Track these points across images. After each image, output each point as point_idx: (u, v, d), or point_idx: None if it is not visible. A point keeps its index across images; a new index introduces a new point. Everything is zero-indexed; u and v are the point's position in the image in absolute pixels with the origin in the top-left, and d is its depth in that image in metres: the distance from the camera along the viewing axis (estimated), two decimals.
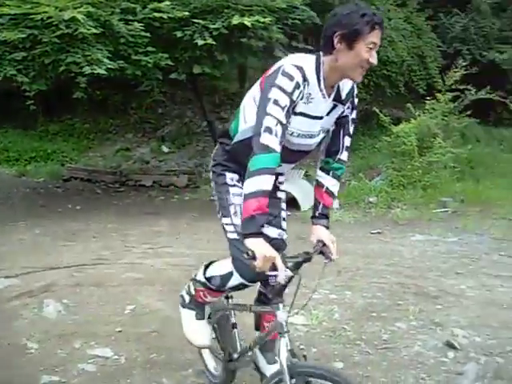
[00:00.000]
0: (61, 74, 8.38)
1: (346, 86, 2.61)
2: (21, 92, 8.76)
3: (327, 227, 2.75)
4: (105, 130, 14.71)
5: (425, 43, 14.18)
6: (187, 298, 3.03)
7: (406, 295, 4.96)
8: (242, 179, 2.59)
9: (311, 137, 2.62)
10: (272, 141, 2.29)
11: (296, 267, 2.44)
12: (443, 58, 13.91)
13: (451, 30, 15.19)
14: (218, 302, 3.09)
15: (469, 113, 11.07)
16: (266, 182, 2.28)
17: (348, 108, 2.69)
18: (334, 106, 2.61)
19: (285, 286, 2.54)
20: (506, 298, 4.95)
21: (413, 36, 14.02)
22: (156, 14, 8.42)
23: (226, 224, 2.69)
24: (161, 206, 10.10)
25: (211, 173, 2.87)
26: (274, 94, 2.36)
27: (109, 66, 7.94)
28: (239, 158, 2.64)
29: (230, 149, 2.76)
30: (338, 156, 2.80)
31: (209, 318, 3.11)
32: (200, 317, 3.03)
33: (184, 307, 3.06)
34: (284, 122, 2.35)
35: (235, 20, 8.43)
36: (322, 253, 2.64)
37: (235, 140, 2.70)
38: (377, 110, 10.33)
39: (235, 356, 3.02)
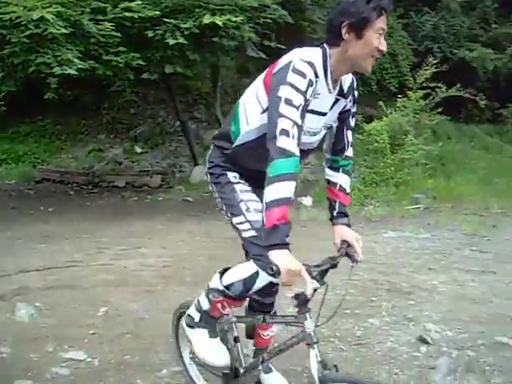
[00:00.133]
0: (31, 75, 8.29)
1: (346, 78, 2.51)
2: None
3: (349, 225, 2.64)
4: (77, 130, 14.56)
5: (396, 42, 14.31)
6: (197, 316, 2.76)
7: (379, 291, 5.01)
8: (243, 178, 2.61)
9: (315, 134, 2.52)
10: (290, 144, 2.14)
11: (322, 276, 2.29)
12: (414, 56, 14.07)
13: (422, 29, 15.37)
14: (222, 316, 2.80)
15: (440, 110, 11.19)
16: (288, 189, 2.11)
17: (350, 101, 2.59)
18: (336, 101, 2.51)
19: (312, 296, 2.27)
20: (477, 292, 5.03)
21: (384, 34, 14.13)
22: (127, 14, 8.37)
23: (239, 223, 2.53)
24: (134, 206, 10.05)
25: (208, 175, 2.72)
26: (287, 93, 2.20)
27: (79, 67, 7.88)
28: (241, 161, 2.59)
29: (229, 152, 2.61)
30: (345, 153, 2.72)
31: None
32: (214, 334, 2.75)
33: (193, 327, 2.78)
34: (299, 123, 2.20)
35: (206, 19, 8.42)
36: (347, 255, 2.49)
37: (237, 143, 2.56)
38: None
39: (242, 371, 2.79)
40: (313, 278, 2.15)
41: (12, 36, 7.64)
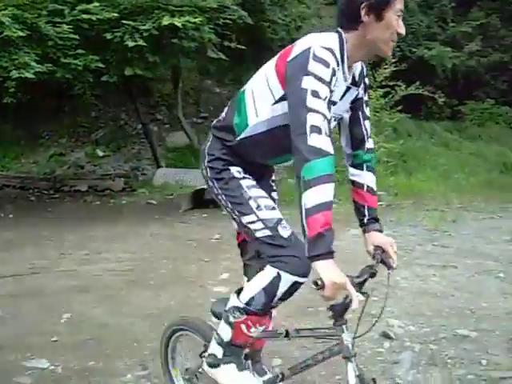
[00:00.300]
0: None
1: (356, 66, 2.35)
2: None
3: (381, 231, 2.44)
4: (37, 135, 14.34)
5: None
6: (219, 351, 2.43)
7: None
8: (247, 172, 2.40)
9: None
10: (324, 142, 1.94)
11: (361, 286, 2.13)
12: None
13: None
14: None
15: (400, 108, 11.34)
16: (328, 192, 1.91)
17: (361, 89, 2.43)
18: (348, 89, 2.33)
19: (349, 306, 2.08)
20: (439, 286, 5.11)
21: None
22: (84, 16, 8.30)
23: (251, 222, 2.29)
24: (97, 211, 9.94)
25: (208, 169, 2.44)
26: (310, 83, 2.00)
27: (37, 70, 7.79)
28: (245, 155, 2.40)
29: (233, 145, 2.39)
30: (366, 145, 2.50)
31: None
32: (242, 366, 2.44)
33: (218, 366, 2.44)
34: (328, 116, 2.00)
35: (165, 21, 8.40)
36: (382, 262, 2.32)
37: (243, 135, 2.35)
38: None
39: None
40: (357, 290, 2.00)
41: None
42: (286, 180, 10.64)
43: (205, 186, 8.53)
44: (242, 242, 2.68)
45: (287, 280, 2.19)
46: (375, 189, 2.53)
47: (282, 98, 2.19)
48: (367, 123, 2.50)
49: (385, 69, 10.94)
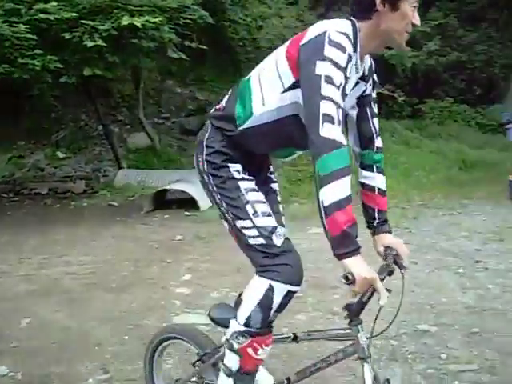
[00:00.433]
0: None
1: (366, 59, 2.26)
2: None
3: (390, 232, 2.40)
4: None
5: None
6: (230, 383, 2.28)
7: (305, 287, 5.03)
8: (246, 169, 2.28)
9: None
10: (336, 132, 1.84)
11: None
12: None
13: None
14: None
15: None
16: (346, 186, 1.83)
17: (370, 85, 2.34)
18: (356, 84, 2.24)
19: (365, 305, 2.08)
20: (400, 283, 5.15)
21: None
22: (42, 16, 8.16)
23: (245, 228, 2.19)
24: (57, 213, 9.78)
25: (205, 163, 2.29)
26: (326, 69, 1.91)
27: None
28: (246, 145, 2.28)
29: (234, 135, 2.26)
30: (376, 144, 2.41)
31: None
32: None
33: None
34: (342, 105, 1.91)
35: (125, 20, 8.32)
36: (395, 262, 2.27)
37: (246, 125, 2.22)
38: None
39: None
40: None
41: None
42: None
43: (167, 187, 8.45)
44: None
45: (281, 290, 2.12)
46: (385, 190, 2.46)
47: (291, 87, 2.10)
48: (375, 121, 2.41)
49: None
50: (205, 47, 10.89)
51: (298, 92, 2.06)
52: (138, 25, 8.32)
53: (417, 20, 2.09)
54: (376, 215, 2.42)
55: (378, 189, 2.42)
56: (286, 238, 2.21)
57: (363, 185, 2.43)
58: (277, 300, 2.14)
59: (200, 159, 2.32)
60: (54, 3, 8.19)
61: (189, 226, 8.03)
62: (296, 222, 7.96)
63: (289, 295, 2.15)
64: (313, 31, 2.05)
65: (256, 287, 2.16)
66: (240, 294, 2.31)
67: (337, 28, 2.01)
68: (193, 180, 9.84)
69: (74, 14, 8.33)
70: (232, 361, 2.25)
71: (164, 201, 9.59)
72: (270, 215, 2.22)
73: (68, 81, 9.28)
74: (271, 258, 2.14)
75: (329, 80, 1.90)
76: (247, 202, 2.21)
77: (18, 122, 14.24)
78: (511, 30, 16.78)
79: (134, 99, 13.35)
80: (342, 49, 1.96)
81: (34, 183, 11.74)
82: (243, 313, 2.21)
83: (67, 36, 8.44)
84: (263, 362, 2.32)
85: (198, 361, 2.56)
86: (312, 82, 1.92)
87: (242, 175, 2.26)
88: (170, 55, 9.97)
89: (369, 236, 2.45)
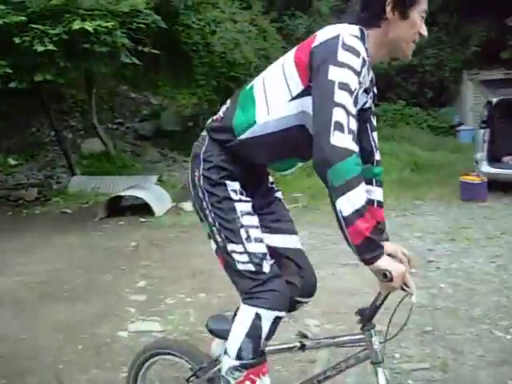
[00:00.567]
0: None
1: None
2: None
3: (388, 240, 2.34)
4: None
5: (271, 45, 14.62)
6: None
7: None
8: (244, 188, 2.19)
9: None
10: (347, 140, 1.78)
11: None
12: None
13: (295, 32, 15.78)
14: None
15: None
16: (361, 194, 1.80)
17: (370, 98, 2.29)
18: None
19: (378, 309, 2.08)
20: (353, 284, 5.21)
21: (259, 38, 14.40)
22: None
23: (236, 252, 2.12)
24: (9, 221, 9.56)
25: (202, 178, 2.17)
26: (340, 75, 1.84)
27: None
28: (249, 157, 2.19)
29: (233, 145, 2.16)
30: (375, 158, 2.37)
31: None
32: None
33: None
34: (354, 112, 1.84)
35: (76, 25, 8.21)
36: None
37: (249, 135, 2.12)
38: None
39: None
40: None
41: None
42: None
43: (122, 193, 8.30)
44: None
45: (268, 317, 2.09)
46: (382, 201, 2.44)
47: (300, 95, 2.02)
48: (375, 134, 2.36)
49: None
50: (158, 52, 10.81)
51: (306, 100, 2.00)
52: (90, 29, 8.22)
53: (424, 30, 2.07)
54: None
55: (377, 202, 2.41)
56: (273, 264, 2.16)
57: None
58: (265, 328, 2.10)
59: (196, 173, 2.20)
60: (2, 7, 8.04)
61: (143, 232, 7.96)
62: None
63: (276, 321, 2.12)
64: (324, 34, 1.98)
65: (242, 318, 2.11)
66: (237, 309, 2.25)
67: (350, 31, 1.95)
68: (147, 186, 9.79)
69: (24, 18, 8.17)
70: None
71: (118, 207, 9.48)
72: (262, 241, 2.16)
73: (18, 86, 9.09)
74: (259, 285, 2.09)
75: (343, 86, 1.83)
76: (242, 226, 2.13)
77: None
78: (461, 34, 17.19)
79: (87, 104, 13.17)
80: (356, 53, 1.90)
81: None
82: (233, 347, 2.13)
83: (17, 40, 8.27)
84: None
85: (192, 376, 2.48)
86: (325, 87, 1.85)
87: (239, 196, 2.16)
88: (123, 60, 9.86)
89: None
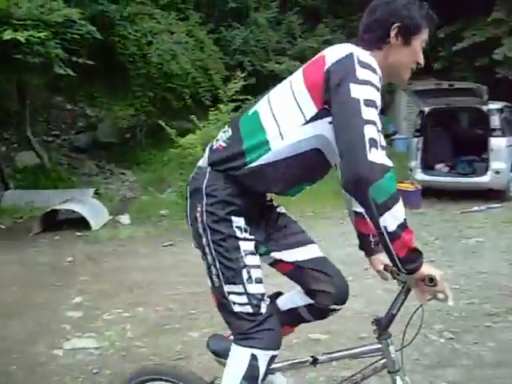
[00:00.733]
0: None
1: None
2: None
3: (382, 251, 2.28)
4: None
5: (208, 56, 14.62)
6: None
7: (198, 304, 5.06)
8: (248, 223, 2.11)
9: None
10: (383, 156, 1.78)
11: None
12: (227, 70, 14.46)
13: (232, 43, 15.85)
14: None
15: None
16: (402, 207, 1.81)
17: None
18: None
19: (394, 318, 2.09)
20: None
21: (196, 49, 14.38)
22: None
23: (234, 293, 2.06)
24: None
25: (205, 214, 2.07)
26: (362, 92, 1.83)
27: None
28: (254, 184, 2.09)
29: (241, 174, 2.06)
30: None
31: None
32: None
33: None
34: (380, 126, 1.84)
35: (7, 35, 8.05)
36: (395, 278, 2.22)
37: (260, 162, 2.03)
38: (162, 123, 10.42)
39: None
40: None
41: None
42: (142, 196, 10.56)
43: (57, 207, 8.07)
44: (287, 272, 2.37)
45: (264, 357, 2.05)
46: None
47: (314, 118, 1.99)
48: None
49: (234, 83, 11.15)
50: (93, 63, 10.67)
51: (320, 123, 1.99)
52: (22, 39, 8.06)
53: (421, 59, 2.10)
54: (371, 239, 2.43)
55: None
56: (268, 303, 2.14)
57: (357, 213, 2.41)
58: (262, 368, 2.06)
59: (199, 208, 2.09)
60: None
61: (80, 246, 7.81)
62: (188, 238, 7.92)
63: (272, 359, 2.09)
64: (334, 54, 1.97)
65: (238, 359, 2.06)
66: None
67: (362, 50, 1.97)
68: (84, 199, 9.62)
69: None
70: None
71: (54, 222, 9.27)
72: (261, 282, 2.11)
73: None
74: (255, 326, 2.05)
75: (368, 103, 1.82)
76: (244, 266, 2.06)
77: None
78: None
79: (21, 116, 12.84)
80: (373, 70, 1.91)
81: None
82: None
83: None
84: None
85: None
86: (349, 105, 1.83)
87: (243, 234, 2.08)
88: (56, 71, 9.68)
89: None
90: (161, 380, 2.46)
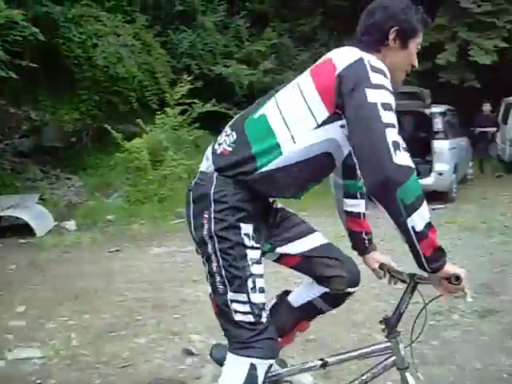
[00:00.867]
0: None
1: None
2: None
3: (376, 249, 2.52)
4: None
5: (155, 59, 14.47)
6: None
7: (145, 310, 5.03)
8: (255, 231, 2.08)
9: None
10: (407, 157, 1.82)
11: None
12: (174, 73, 14.37)
13: (180, 46, 15.76)
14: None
15: (198, 125, 11.58)
16: (427, 208, 1.85)
17: None
18: None
19: (402, 316, 2.18)
20: None
21: (142, 52, 14.23)
22: None
23: (237, 302, 2.04)
24: None
25: (213, 221, 2.03)
26: (378, 96, 1.85)
27: None
28: (264, 189, 2.07)
29: (251, 179, 2.02)
30: (357, 171, 2.34)
31: None
32: None
33: None
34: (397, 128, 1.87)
35: None
36: (392, 276, 2.34)
37: (271, 167, 2.01)
38: (108, 127, 10.31)
39: None
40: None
41: None
42: (88, 202, 10.40)
43: (0, 214, 7.85)
44: (295, 265, 2.41)
45: (263, 366, 2.04)
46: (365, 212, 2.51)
47: (325, 122, 2.00)
48: None
49: (181, 87, 11.13)
50: (36, 65, 10.45)
51: (332, 127, 2.00)
52: None
53: (416, 62, 2.15)
54: (365, 237, 2.49)
55: (363, 214, 2.48)
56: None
57: (349, 213, 2.47)
58: (261, 377, 2.05)
59: (206, 215, 2.04)
60: None
61: (24, 253, 7.62)
62: (135, 244, 7.92)
63: (269, 369, 2.10)
64: (344, 58, 1.98)
65: (236, 370, 2.05)
66: None
67: (368, 54, 1.99)
68: (28, 205, 9.40)
69: None
70: None
71: None
72: (264, 291, 2.09)
73: None
74: (255, 335, 2.03)
75: (386, 106, 1.84)
76: (250, 275, 2.04)
77: None
78: None
79: None
80: (384, 74, 1.94)
81: None
82: None
83: None
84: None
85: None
86: (366, 110, 1.84)
87: (251, 242, 2.05)
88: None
89: None
90: None
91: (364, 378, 2.22)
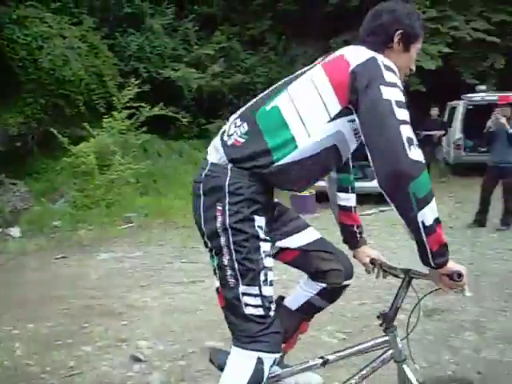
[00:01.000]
0: None
1: None
2: None
3: (366, 243, 2.58)
4: None
5: (102, 62, 14.28)
6: None
7: (91, 317, 4.96)
8: (266, 224, 2.08)
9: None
10: (420, 153, 1.87)
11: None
12: (122, 76, 14.23)
13: (128, 49, 15.61)
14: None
15: (146, 129, 11.50)
16: (435, 204, 1.89)
17: None
18: None
19: (398, 310, 2.21)
20: (187, 302, 5.27)
21: (90, 55, 14.03)
22: None
23: (248, 295, 2.02)
24: None
25: (228, 213, 2.01)
26: (392, 93, 1.90)
27: None
28: (278, 182, 2.10)
29: (268, 172, 2.02)
30: (350, 165, 2.53)
31: None
32: None
33: None
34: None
35: None
36: (384, 271, 2.42)
37: (288, 160, 2.01)
38: (54, 131, 10.13)
39: None
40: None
41: None
42: (33, 207, 10.19)
43: None
44: (292, 260, 2.42)
45: (269, 360, 2.04)
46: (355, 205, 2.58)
47: (338, 115, 2.03)
48: None
49: (129, 90, 11.03)
50: None
51: (342, 120, 2.04)
52: None
53: (414, 66, 2.24)
54: (356, 230, 2.55)
55: (355, 208, 2.56)
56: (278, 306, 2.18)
57: (341, 206, 2.54)
58: (267, 372, 2.05)
59: (219, 207, 2.02)
60: None
61: None
62: (82, 250, 7.82)
63: (274, 363, 2.09)
64: (356, 56, 2.02)
65: (242, 365, 2.04)
66: None
67: (378, 54, 2.03)
68: None
69: None
70: None
71: None
72: (273, 284, 2.09)
73: None
74: (264, 329, 2.03)
75: (400, 104, 1.90)
76: (263, 268, 2.04)
77: None
78: (288, 55, 17.99)
79: None
80: (396, 73, 1.99)
81: None
82: None
83: None
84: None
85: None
86: (381, 107, 1.89)
87: (264, 235, 2.05)
88: None
89: None
90: None
91: (364, 372, 2.26)
